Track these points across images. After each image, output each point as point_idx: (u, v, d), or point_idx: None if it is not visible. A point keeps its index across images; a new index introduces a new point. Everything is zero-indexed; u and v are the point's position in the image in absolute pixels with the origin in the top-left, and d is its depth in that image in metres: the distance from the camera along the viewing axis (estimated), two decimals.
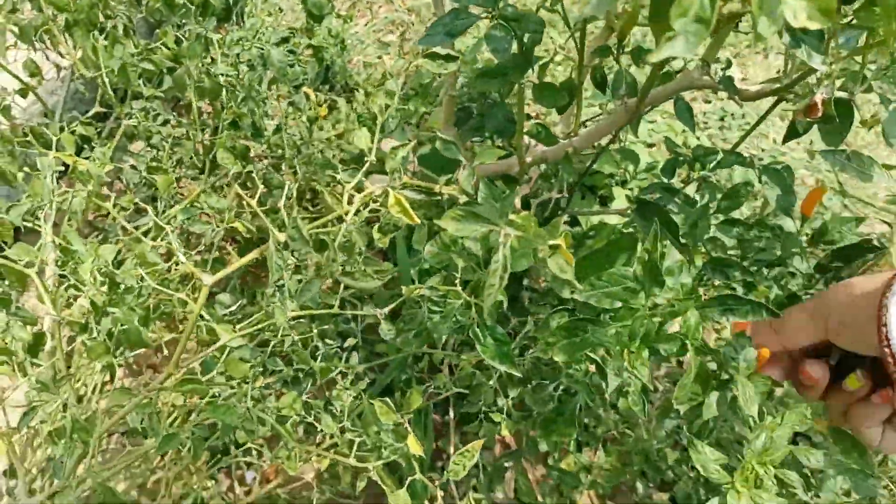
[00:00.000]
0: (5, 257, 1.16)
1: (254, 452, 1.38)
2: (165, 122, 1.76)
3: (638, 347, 0.69)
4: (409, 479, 0.83)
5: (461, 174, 0.83)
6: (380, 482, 0.93)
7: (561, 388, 0.90)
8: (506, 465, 1.75)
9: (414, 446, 0.79)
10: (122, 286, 1.13)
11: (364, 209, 0.74)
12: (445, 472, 0.83)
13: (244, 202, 1.02)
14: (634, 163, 1.27)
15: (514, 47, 0.96)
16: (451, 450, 1.79)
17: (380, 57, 2.37)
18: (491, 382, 0.98)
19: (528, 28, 0.89)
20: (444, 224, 0.60)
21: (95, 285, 1.14)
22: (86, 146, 1.60)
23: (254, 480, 1.71)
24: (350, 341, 1.48)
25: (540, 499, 1.68)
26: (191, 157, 1.62)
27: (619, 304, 0.76)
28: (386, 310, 0.86)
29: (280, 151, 1.62)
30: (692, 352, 0.71)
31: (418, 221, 0.72)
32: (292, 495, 1.71)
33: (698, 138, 2.12)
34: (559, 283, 1.01)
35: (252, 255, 0.84)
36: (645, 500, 1.69)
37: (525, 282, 1.64)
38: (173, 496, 1.73)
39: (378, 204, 0.80)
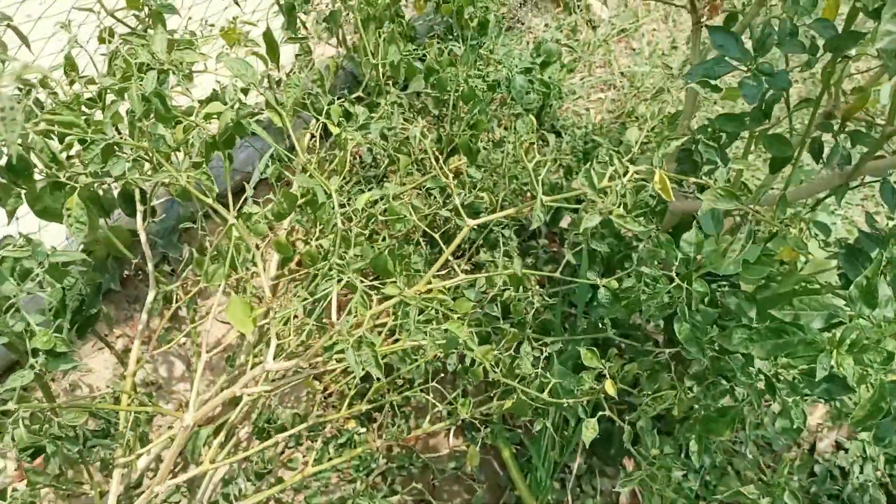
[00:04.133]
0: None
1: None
2: (407, 120, 2.06)
3: (847, 350, 0.82)
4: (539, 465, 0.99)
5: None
6: (503, 468, 1.09)
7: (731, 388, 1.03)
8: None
9: (610, 389, 0.95)
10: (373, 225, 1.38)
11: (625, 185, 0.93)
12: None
13: None
14: (825, 234, 1.39)
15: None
16: (574, 469, 1.92)
17: (587, 109, 2.59)
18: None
19: (777, 84, 1.06)
20: (704, 197, 0.78)
21: (346, 225, 1.40)
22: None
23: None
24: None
25: None
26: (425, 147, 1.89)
27: (816, 324, 0.90)
28: (607, 280, 1.04)
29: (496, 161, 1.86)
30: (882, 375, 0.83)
31: (672, 199, 0.89)
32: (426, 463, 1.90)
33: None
34: (744, 306, 1.15)
35: (511, 211, 1.05)
36: None
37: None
38: (325, 433, 1.96)
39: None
